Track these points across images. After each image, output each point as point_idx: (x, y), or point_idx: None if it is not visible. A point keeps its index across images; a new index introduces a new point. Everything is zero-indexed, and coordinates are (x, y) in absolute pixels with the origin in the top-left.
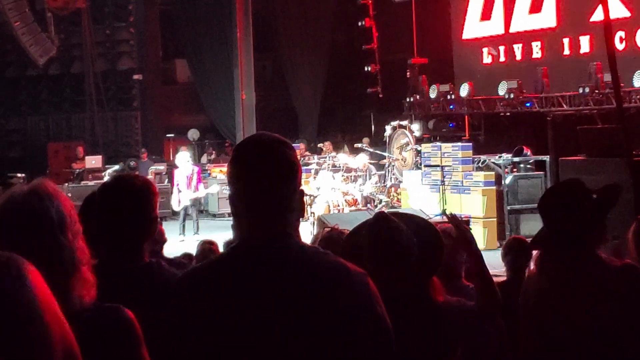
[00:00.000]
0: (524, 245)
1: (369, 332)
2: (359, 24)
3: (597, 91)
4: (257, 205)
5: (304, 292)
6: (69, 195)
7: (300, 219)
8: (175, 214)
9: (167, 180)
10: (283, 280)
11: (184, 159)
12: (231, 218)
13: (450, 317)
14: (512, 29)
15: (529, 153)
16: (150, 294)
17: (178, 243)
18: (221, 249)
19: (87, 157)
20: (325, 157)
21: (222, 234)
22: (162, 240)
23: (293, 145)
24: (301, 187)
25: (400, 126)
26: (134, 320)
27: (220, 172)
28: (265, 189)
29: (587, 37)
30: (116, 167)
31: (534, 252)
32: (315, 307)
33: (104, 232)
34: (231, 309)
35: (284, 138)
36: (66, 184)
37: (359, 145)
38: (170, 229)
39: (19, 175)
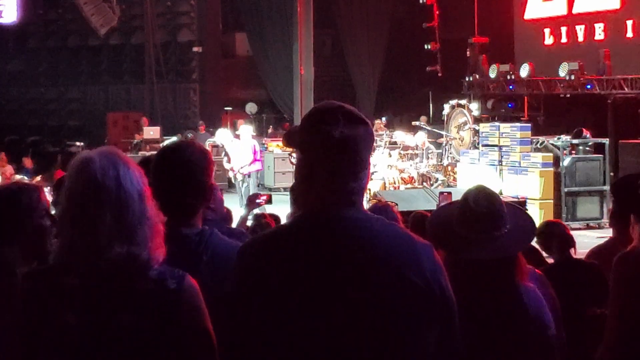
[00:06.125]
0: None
1: (433, 303)
2: (420, 1)
3: None
4: (329, 173)
5: (370, 261)
6: None
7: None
8: (231, 186)
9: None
10: (350, 248)
11: (248, 132)
12: (287, 193)
13: (526, 302)
14: (575, 10)
15: (588, 135)
16: (199, 261)
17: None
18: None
19: (145, 128)
20: (382, 134)
21: (278, 208)
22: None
23: None
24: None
25: (459, 105)
26: (198, 289)
27: (277, 147)
28: (338, 157)
29: None
30: (174, 138)
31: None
32: (380, 276)
33: (156, 197)
34: (298, 276)
35: (353, 108)
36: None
37: (417, 123)
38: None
39: (77, 143)
